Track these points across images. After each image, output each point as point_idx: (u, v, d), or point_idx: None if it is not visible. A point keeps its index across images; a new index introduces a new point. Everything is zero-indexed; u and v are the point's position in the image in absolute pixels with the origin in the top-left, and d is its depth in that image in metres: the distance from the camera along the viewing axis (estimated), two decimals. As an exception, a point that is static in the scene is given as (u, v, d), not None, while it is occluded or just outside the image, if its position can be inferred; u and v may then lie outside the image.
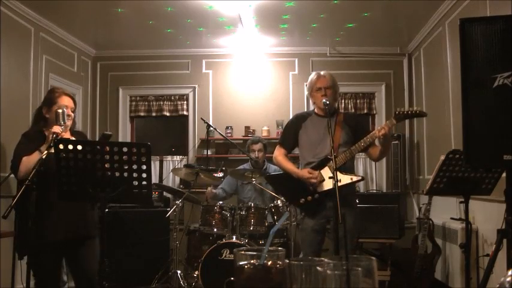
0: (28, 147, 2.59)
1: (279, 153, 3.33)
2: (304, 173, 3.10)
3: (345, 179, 2.93)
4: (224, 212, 4.38)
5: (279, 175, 3.51)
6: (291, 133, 3.32)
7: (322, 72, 3.24)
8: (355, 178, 3.01)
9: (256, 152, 4.89)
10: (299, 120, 3.31)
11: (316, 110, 3.30)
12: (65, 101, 2.74)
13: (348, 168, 3.08)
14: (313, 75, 3.25)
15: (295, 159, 3.70)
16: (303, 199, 3.12)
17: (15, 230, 2.92)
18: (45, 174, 2.40)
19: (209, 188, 4.87)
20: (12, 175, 2.89)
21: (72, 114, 2.77)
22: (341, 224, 2.57)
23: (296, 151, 3.46)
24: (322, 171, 3.08)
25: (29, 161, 2.48)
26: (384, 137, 2.93)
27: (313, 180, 3.05)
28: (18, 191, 2.29)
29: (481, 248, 3.83)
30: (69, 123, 2.71)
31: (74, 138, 2.74)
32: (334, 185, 2.56)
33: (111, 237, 4.30)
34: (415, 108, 2.98)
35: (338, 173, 2.90)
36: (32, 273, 2.63)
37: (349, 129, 3.18)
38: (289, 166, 3.24)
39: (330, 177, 2.94)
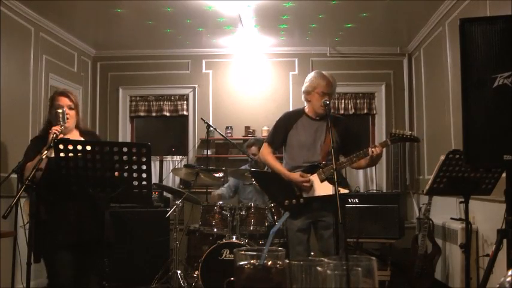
0: (33, 151, 2.59)
1: (267, 152, 3.27)
2: (296, 176, 3.05)
3: (332, 190, 2.90)
4: (224, 212, 4.38)
5: (265, 173, 3.49)
6: (281, 133, 3.24)
7: (328, 76, 3.13)
8: (343, 190, 2.97)
9: (251, 155, 4.90)
10: (291, 120, 3.23)
11: (307, 111, 3.21)
12: (61, 100, 2.74)
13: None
14: (319, 77, 3.13)
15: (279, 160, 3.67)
16: (287, 201, 3.10)
17: (17, 231, 2.92)
18: (49, 174, 2.40)
19: (213, 192, 4.89)
20: (12, 175, 2.88)
21: (71, 112, 2.76)
22: (341, 224, 2.56)
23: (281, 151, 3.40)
24: (310, 178, 3.05)
25: (32, 165, 2.48)
26: (376, 156, 2.95)
27: (306, 184, 3.02)
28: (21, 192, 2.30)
29: (481, 248, 3.83)
30: (69, 123, 2.71)
31: (82, 139, 2.74)
32: (331, 184, 2.55)
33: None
34: (409, 132, 3.02)
35: (327, 183, 2.93)
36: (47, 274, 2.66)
37: (338, 136, 3.12)
38: (279, 167, 3.19)
39: (329, 179, 2.94)
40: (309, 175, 3.04)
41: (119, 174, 2.23)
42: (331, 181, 2.89)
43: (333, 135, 3.01)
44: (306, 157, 3.11)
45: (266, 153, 3.28)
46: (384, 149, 3.06)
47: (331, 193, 2.76)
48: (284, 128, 3.23)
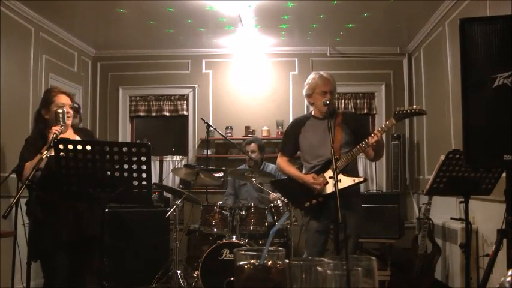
0: (30, 152, 2.56)
1: (281, 161, 3.34)
2: (309, 178, 3.09)
3: (347, 180, 2.93)
4: (224, 212, 4.38)
5: (283, 180, 3.51)
6: (290, 140, 3.31)
7: (325, 75, 3.18)
8: (357, 180, 3.00)
9: (249, 153, 4.90)
10: (298, 125, 3.30)
11: (314, 113, 3.27)
12: (62, 99, 2.71)
13: (350, 170, 3.06)
14: (317, 77, 3.18)
15: (298, 159, 3.69)
16: (307, 203, 3.12)
17: (17, 231, 2.91)
18: (48, 174, 2.39)
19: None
20: (11, 175, 2.88)
21: (71, 112, 2.75)
22: (341, 224, 2.56)
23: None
24: (325, 174, 3.07)
25: (32, 166, 2.46)
26: (376, 143, 2.93)
27: (317, 187, 3.05)
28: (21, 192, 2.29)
29: (481, 248, 3.83)
30: (69, 121, 2.70)
31: (77, 136, 2.73)
32: (335, 185, 2.55)
33: (111, 237, 4.33)
34: (414, 106, 2.97)
35: (340, 174, 2.91)
36: (43, 274, 2.65)
37: (349, 130, 3.16)
38: (293, 171, 3.23)
39: (330, 177, 2.95)
40: (321, 179, 3.05)
41: (119, 174, 2.22)
42: (344, 174, 2.94)
43: (340, 130, 3.04)
44: (318, 155, 3.14)
45: (281, 161, 3.34)
46: (385, 149, 3.05)
47: (346, 185, 2.87)
48: (293, 134, 3.29)
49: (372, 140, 2.91)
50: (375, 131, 2.95)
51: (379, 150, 3.06)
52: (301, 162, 3.38)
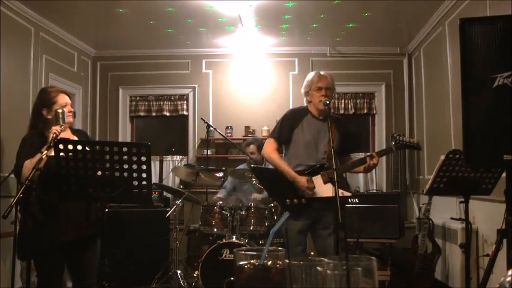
0: (29, 151, 2.54)
1: (272, 149, 3.20)
2: (302, 181, 3.03)
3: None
4: (224, 212, 4.38)
5: (268, 169, 3.47)
6: (287, 128, 3.20)
7: (322, 72, 3.21)
8: (346, 193, 2.98)
9: (249, 154, 4.90)
10: (296, 117, 3.21)
11: (310, 109, 3.23)
12: (64, 99, 2.70)
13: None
14: (313, 74, 3.20)
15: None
16: (288, 200, 3.08)
17: (17, 231, 2.90)
18: (47, 174, 2.39)
19: (214, 197, 4.93)
20: (11, 175, 2.87)
21: (73, 110, 2.75)
22: (341, 224, 2.56)
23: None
24: (314, 178, 3.06)
25: (32, 165, 2.45)
26: (372, 165, 3.02)
27: (309, 192, 3.02)
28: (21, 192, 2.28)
29: (481, 248, 3.83)
30: (70, 120, 2.70)
31: (76, 137, 2.73)
32: (334, 185, 2.55)
33: (111, 237, 4.33)
34: (414, 140, 3.12)
35: (330, 184, 2.91)
36: (35, 274, 2.63)
37: (340, 136, 3.14)
38: (284, 166, 3.13)
39: (332, 181, 2.95)
40: (312, 184, 3.03)
41: (119, 174, 2.22)
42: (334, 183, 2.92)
43: (334, 135, 3.04)
44: (310, 156, 3.12)
45: (271, 150, 3.20)
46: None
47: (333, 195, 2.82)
48: (291, 123, 3.20)
49: (371, 161, 2.98)
50: (374, 154, 3.02)
51: (369, 170, 3.13)
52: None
